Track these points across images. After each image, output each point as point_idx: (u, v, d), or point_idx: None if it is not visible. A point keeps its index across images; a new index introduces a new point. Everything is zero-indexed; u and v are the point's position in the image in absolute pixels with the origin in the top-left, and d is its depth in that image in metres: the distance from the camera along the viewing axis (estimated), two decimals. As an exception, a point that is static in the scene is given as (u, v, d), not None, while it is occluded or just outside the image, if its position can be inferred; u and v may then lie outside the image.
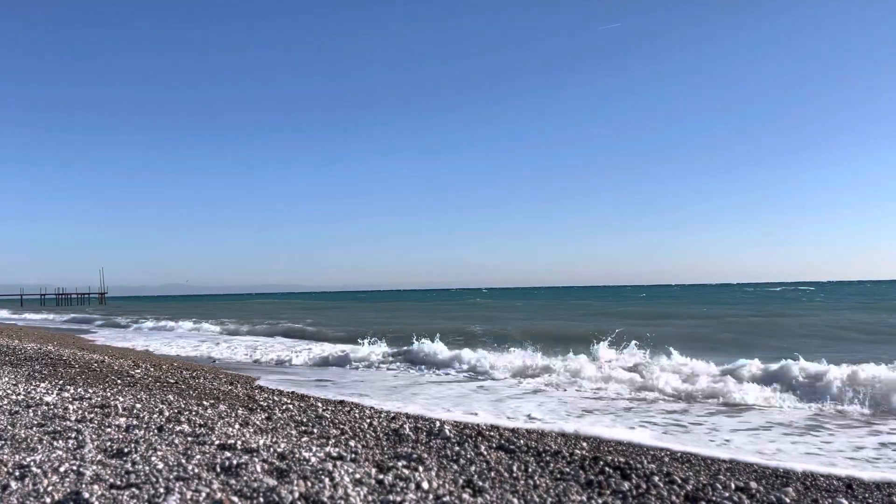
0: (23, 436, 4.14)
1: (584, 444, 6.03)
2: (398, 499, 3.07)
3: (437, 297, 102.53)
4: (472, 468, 3.89)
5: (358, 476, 3.37)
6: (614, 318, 29.57)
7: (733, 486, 3.88)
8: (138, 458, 3.59)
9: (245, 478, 3.24)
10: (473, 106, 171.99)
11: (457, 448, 4.43)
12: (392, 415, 6.74)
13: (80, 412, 5.20)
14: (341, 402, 8.37)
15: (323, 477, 3.30)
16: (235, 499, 2.93)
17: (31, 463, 3.37)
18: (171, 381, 9.06)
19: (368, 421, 5.78)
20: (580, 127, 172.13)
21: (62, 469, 3.28)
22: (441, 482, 3.44)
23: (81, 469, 3.29)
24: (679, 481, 3.83)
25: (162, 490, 2.99)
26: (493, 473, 3.78)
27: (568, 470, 4.00)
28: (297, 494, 3.01)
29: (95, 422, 4.80)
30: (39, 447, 3.85)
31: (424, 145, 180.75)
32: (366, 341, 16.44)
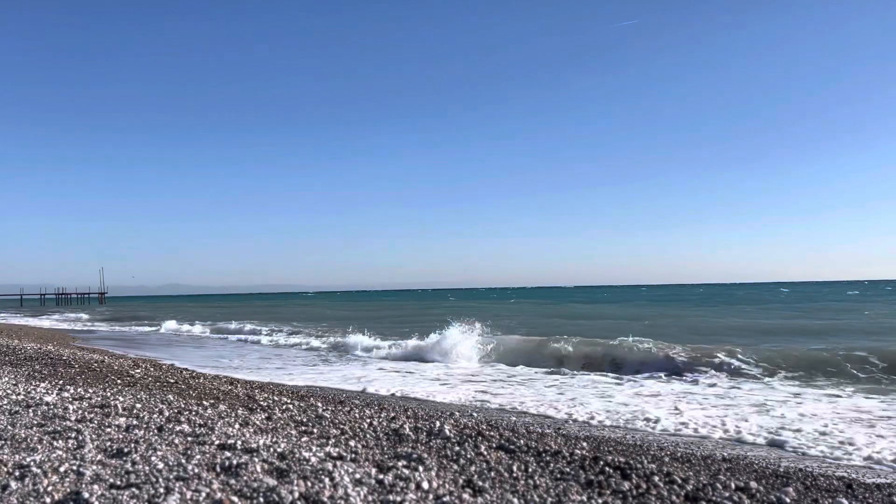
0: (23, 436, 4.14)
1: (585, 444, 6.02)
2: (398, 499, 3.07)
3: (482, 296, 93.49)
4: (473, 468, 3.89)
5: (358, 476, 3.37)
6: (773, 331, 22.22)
7: (733, 486, 3.88)
8: (138, 458, 3.59)
9: (245, 478, 3.24)
10: (474, 104, 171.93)
11: (457, 448, 4.43)
12: (392, 415, 6.73)
13: (80, 412, 5.20)
14: (341, 402, 8.36)
15: (323, 477, 3.30)
16: (235, 499, 2.93)
17: (31, 463, 3.37)
18: (171, 380, 9.06)
19: (368, 421, 5.78)
20: (576, 125, 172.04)
21: (62, 469, 3.28)
22: (441, 482, 3.44)
23: (81, 469, 3.29)
24: (679, 481, 3.82)
25: (162, 490, 2.99)
26: (493, 473, 3.77)
27: (568, 470, 3.99)
28: (297, 494, 3.01)
29: (95, 422, 4.80)
30: (39, 447, 3.85)
31: (428, 142, 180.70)
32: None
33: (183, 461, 3.51)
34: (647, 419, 8.49)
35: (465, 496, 3.23)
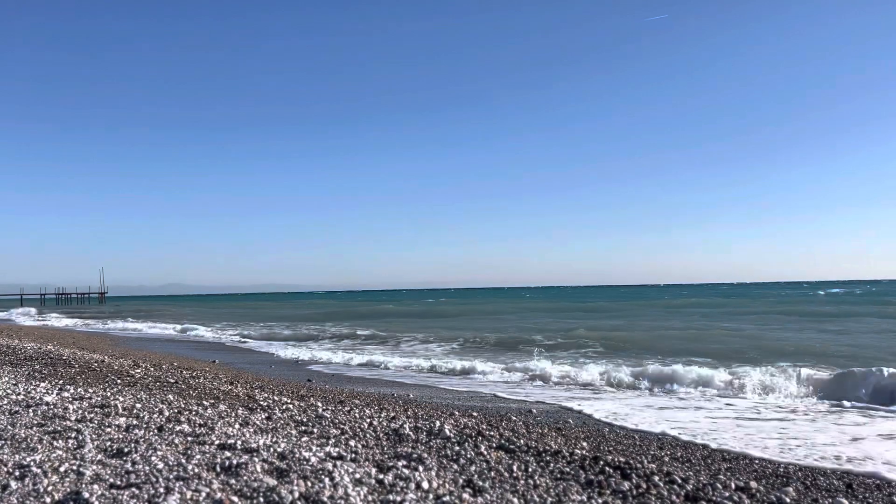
0: (23, 436, 4.14)
1: (585, 444, 6.02)
2: (398, 499, 3.07)
3: (499, 296, 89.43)
4: (473, 468, 3.89)
5: (358, 476, 3.37)
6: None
7: (733, 485, 3.88)
8: (138, 457, 3.59)
9: (245, 477, 3.24)
10: (471, 103, 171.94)
11: (457, 448, 4.43)
12: (392, 415, 6.73)
13: (80, 412, 5.20)
14: (341, 402, 8.36)
15: (323, 477, 3.30)
16: (235, 499, 2.93)
17: (31, 463, 3.38)
18: (171, 380, 9.06)
19: (368, 421, 5.78)
20: (577, 125, 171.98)
21: (62, 469, 3.28)
22: (441, 482, 3.44)
23: (81, 469, 3.29)
24: (679, 481, 3.82)
25: (162, 490, 2.99)
26: (493, 473, 3.77)
27: (568, 470, 3.99)
28: (297, 494, 3.01)
29: (95, 422, 4.80)
30: (39, 447, 3.85)
31: (428, 140, 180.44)
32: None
33: (183, 461, 3.51)
34: None
35: (465, 496, 3.23)
